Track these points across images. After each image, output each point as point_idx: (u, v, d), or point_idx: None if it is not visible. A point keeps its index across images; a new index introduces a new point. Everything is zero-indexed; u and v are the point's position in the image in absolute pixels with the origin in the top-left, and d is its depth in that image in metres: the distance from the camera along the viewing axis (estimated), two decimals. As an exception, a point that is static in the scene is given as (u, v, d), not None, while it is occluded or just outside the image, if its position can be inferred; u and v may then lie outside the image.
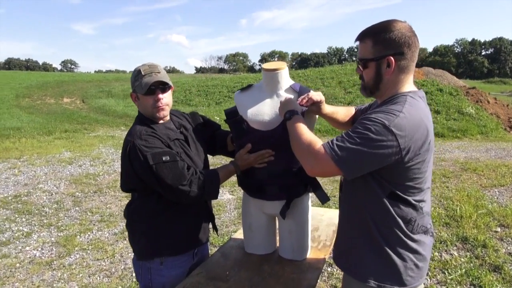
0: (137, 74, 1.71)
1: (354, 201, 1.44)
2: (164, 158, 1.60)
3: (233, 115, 1.82)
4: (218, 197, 1.85)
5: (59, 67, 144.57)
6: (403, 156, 1.22)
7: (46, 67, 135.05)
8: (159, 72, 1.73)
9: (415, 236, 1.36)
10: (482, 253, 3.69)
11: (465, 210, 4.75)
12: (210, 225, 2.03)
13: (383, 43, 1.30)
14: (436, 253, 3.70)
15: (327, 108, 1.72)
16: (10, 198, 5.67)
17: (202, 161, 1.89)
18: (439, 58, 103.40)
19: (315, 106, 1.66)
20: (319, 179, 1.81)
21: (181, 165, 1.64)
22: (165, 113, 1.79)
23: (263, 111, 1.78)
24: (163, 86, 1.73)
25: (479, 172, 6.85)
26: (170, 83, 1.77)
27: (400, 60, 1.31)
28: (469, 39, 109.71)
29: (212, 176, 1.73)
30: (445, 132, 11.35)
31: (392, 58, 1.30)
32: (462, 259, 3.59)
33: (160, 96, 1.72)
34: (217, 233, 2.18)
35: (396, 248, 1.35)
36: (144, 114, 1.78)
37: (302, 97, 1.62)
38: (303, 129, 1.42)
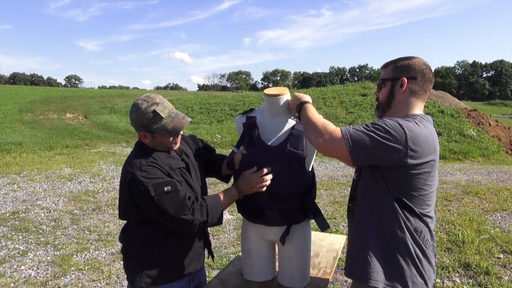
0: (153, 117, 1.62)
1: (364, 207, 1.49)
2: (165, 189, 1.57)
3: (250, 117, 1.83)
4: None
5: (63, 82, 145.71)
6: (407, 158, 1.31)
7: (50, 82, 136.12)
8: (174, 111, 1.70)
9: (425, 249, 1.42)
10: (485, 281, 3.62)
11: (467, 235, 4.69)
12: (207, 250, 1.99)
13: (401, 68, 1.50)
14: (438, 280, 3.63)
15: None
16: (8, 214, 5.63)
17: (200, 186, 1.87)
18: (440, 79, 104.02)
19: None
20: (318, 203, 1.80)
21: (182, 195, 1.61)
22: (178, 146, 1.80)
23: (264, 136, 1.78)
24: None
25: (481, 196, 6.79)
26: (190, 119, 1.79)
27: (412, 84, 1.47)
28: (470, 61, 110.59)
29: (214, 202, 1.71)
30: (447, 154, 11.32)
31: (405, 79, 1.47)
32: (464, 286, 3.52)
33: (180, 134, 1.75)
34: (213, 259, 2.14)
35: (403, 253, 1.40)
36: (151, 146, 1.73)
37: None
38: (318, 115, 1.51)
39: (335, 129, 1.38)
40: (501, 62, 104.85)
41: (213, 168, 2.04)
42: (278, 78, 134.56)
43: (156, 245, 1.71)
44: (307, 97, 1.65)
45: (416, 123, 1.36)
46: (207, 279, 2.05)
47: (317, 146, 1.43)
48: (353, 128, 1.36)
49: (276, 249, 1.96)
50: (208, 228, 1.99)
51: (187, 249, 1.79)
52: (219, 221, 1.71)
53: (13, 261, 4.08)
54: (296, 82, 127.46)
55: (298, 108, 1.61)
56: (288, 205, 1.75)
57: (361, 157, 1.35)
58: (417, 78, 1.47)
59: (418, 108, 1.49)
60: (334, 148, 1.38)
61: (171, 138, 1.71)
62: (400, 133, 1.30)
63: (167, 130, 1.65)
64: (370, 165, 1.42)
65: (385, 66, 1.57)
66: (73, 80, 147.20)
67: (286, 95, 1.79)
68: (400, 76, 1.48)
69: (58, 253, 4.29)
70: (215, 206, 1.69)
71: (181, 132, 1.75)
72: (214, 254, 4.19)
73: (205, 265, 2.16)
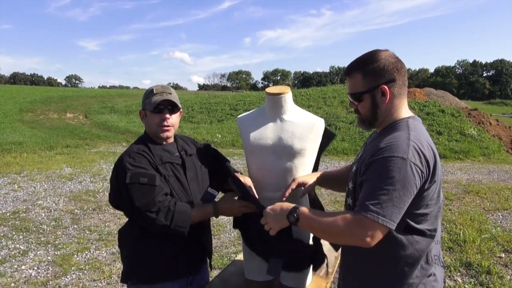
0: (149, 92, 1.76)
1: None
2: (141, 180, 1.59)
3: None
4: (219, 217, 1.80)
5: (63, 82, 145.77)
6: (425, 183, 1.22)
7: (51, 82, 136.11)
8: (170, 93, 1.76)
9: (431, 269, 1.33)
10: (487, 280, 3.61)
11: (469, 235, 4.68)
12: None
13: (373, 74, 1.31)
14: (440, 279, 3.62)
15: (323, 180, 1.73)
16: (8, 214, 5.62)
17: (200, 189, 1.85)
18: (440, 79, 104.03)
19: (304, 189, 1.67)
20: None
21: (157, 191, 1.61)
22: (169, 134, 1.78)
23: (266, 135, 1.77)
24: (172, 107, 1.76)
25: (482, 195, 6.78)
26: (180, 105, 1.79)
27: (393, 87, 1.32)
28: (471, 61, 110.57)
29: (184, 212, 1.64)
30: (447, 153, 11.31)
31: (385, 87, 1.31)
32: (466, 286, 3.51)
33: (167, 116, 1.74)
34: (211, 270, 2.08)
35: (407, 283, 1.30)
36: (149, 133, 1.80)
37: (284, 192, 1.63)
38: (321, 216, 1.28)
39: (359, 219, 1.17)
40: (502, 61, 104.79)
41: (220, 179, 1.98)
42: (279, 78, 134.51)
43: (143, 241, 1.71)
44: (286, 205, 1.40)
45: (411, 139, 1.22)
46: (209, 278, 2.04)
47: (366, 246, 1.19)
48: (372, 204, 1.16)
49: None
50: (210, 226, 1.98)
51: (178, 250, 1.75)
52: (184, 230, 1.63)
53: (13, 260, 4.08)
54: (296, 82, 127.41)
55: (291, 220, 1.35)
56: (295, 255, 1.71)
57: (398, 219, 1.18)
58: (395, 79, 1.31)
59: (403, 107, 1.37)
60: (377, 237, 1.18)
61: (157, 119, 1.73)
62: (413, 171, 1.17)
63: (150, 103, 1.71)
64: None
65: (349, 73, 1.38)
66: (73, 80, 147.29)
67: (288, 94, 1.78)
68: (377, 84, 1.31)
69: (58, 253, 4.29)
70: (183, 216, 1.63)
71: (171, 119, 1.75)
72: (215, 253, 4.22)
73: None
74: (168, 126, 1.75)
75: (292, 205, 1.38)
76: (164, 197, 1.63)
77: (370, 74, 1.31)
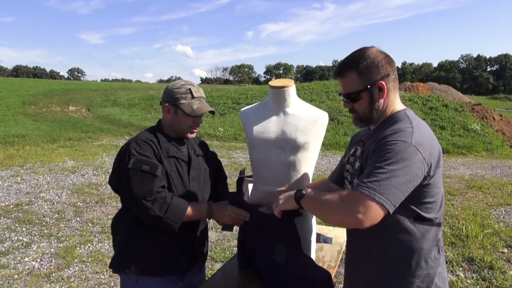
0: (185, 93, 1.73)
1: (375, 238, 1.32)
2: (143, 167, 1.59)
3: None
4: None
5: (66, 75, 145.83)
6: (429, 170, 1.20)
7: (53, 75, 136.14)
8: (205, 98, 1.79)
9: (441, 258, 1.33)
10: (489, 275, 3.61)
11: (471, 230, 4.67)
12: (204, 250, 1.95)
13: (368, 71, 1.31)
14: (442, 274, 3.62)
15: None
16: (11, 206, 5.64)
17: (200, 190, 1.84)
18: (444, 73, 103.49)
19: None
20: None
21: (157, 182, 1.61)
22: (194, 136, 1.82)
23: (269, 128, 1.75)
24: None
25: (484, 190, 6.76)
26: (215, 110, 1.83)
27: (388, 82, 1.33)
28: (475, 55, 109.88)
29: (179, 207, 1.63)
30: (450, 148, 11.28)
31: (382, 82, 1.31)
32: (468, 281, 3.51)
33: (200, 121, 1.79)
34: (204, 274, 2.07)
35: (423, 274, 1.29)
36: (172, 128, 1.77)
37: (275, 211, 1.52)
38: (323, 194, 1.27)
39: (355, 196, 1.14)
40: (506, 56, 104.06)
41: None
42: (281, 72, 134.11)
43: (134, 231, 1.71)
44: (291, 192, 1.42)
45: (414, 127, 1.23)
46: (211, 272, 2.04)
47: (356, 225, 1.14)
48: (370, 181, 1.13)
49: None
50: (208, 234, 1.97)
51: (170, 247, 1.74)
52: (175, 225, 1.62)
53: (16, 252, 4.10)
54: (299, 76, 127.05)
55: (297, 195, 1.37)
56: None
57: (397, 202, 1.15)
58: (389, 74, 1.32)
59: (397, 101, 1.38)
60: (373, 217, 1.12)
61: (190, 122, 1.74)
62: (416, 154, 1.15)
63: (192, 108, 1.72)
64: None
65: (342, 74, 1.35)
66: (76, 73, 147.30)
67: (291, 87, 1.76)
68: (374, 80, 1.31)
69: (61, 245, 4.31)
70: (177, 210, 1.62)
71: (200, 123, 1.80)
72: (217, 246, 4.23)
73: (208, 258, 2.14)
74: (196, 129, 1.80)
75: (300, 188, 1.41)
76: (161, 189, 1.62)
77: (365, 72, 1.31)
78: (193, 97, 1.73)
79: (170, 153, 1.72)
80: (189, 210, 1.65)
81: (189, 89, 1.73)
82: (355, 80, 1.32)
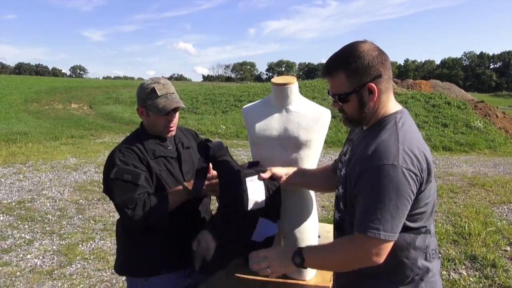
0: (150, 93, 1.69)
1: None
2: (125, 177, 1.59)
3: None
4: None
5: (68, 73, 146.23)
6: (420, 186, 1.16)
7: (55, 73, 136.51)
8: (173, 93, 1.73)
9: (430, 265, 1.28)
10: (492, 273, 3.60)
11: (474, 227, 4.66)
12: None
13: (357, 72, 1.20)
14: (444, 272, 3.61)
15: (294, 179, 1.60)
16: (13, 204, 5.66)
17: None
18: (446, 70, 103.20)
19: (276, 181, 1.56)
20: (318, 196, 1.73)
21: (139, 191, 1.60)
22: (173, 133, 1.79)
23: (271, 126, 1.74)
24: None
25: (487, 188, 6.74)
26: (183, 104, 1.76)
27: (380, 83, 1.23)
28: (477, 52, 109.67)
29: (159, 198, 1.63)
30: (453, 146, 11.24)
31: (372, 84, 1.21)
32: (471, 279, 3.50)
33: (174, 118, 1.74)
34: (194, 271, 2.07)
35: (407, 281, 1.27)
36: (150, 131, 1.77)
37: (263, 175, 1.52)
38: (326, 250, 1.26)
39: (361, 241, 1.15)
40: (509, 53, 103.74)
41: None
42: (283, 69, 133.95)
43: (134, 234, 1.71)
44: (288, 248, 1.39)
45: (400, 141, 1.16)
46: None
47: (375, 264, 1.17)
48: (372, 220, 1.12)
49: (282, 241, 1.94)
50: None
51: (171, 242, 1.74)
52: (162, 221, 1.62)
53: (19, 250, 4.11)
54: (301, 73, 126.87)
55: (297, 262, 1.30)
56: None
57: (400, 229, 1.16)
58: (381, 74, 1.21)
59: (390, 101, 1.29)
60: (383, 254, 1.15)
61: (164, 121, 1.71)
62: (407, 178, 1.11)
63: (157, 108, 1.67)
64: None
65: (329, 73, 1.26)
66: (78, 71, 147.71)
67: (294, 84, 1.75)
68: (363, 82, 1.21)
69: (63, 243, 4.31)
70: (160, 205, 1.61)
71: (175, 119, 1.75)
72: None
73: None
74: (173, 126, 1.76)
75: (294, 248, 1.33)
76: (142, 195, 1.61)
77: (354, 73, 1.20)
78: (157, 96, 1.68)
79: (156, 154, 1.71)
80: (170, 198, 1.65)
81: (153, 88, 1.69)
82: (343, 81, 1.23)
